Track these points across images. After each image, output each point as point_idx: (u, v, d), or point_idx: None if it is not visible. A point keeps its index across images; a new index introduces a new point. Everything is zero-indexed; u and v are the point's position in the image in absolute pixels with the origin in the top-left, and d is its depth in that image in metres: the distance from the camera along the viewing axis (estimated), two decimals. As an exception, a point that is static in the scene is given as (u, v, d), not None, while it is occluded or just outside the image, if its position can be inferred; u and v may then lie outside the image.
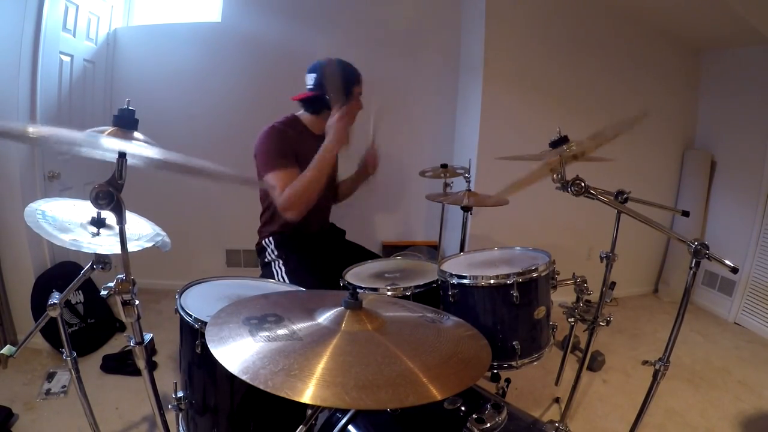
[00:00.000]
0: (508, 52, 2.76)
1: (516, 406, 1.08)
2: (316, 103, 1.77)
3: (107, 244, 1.17)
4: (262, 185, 1.72)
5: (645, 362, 1.29)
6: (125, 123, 0.91)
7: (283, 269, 1.75)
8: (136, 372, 1.29)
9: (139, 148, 0.84)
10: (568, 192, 1.20)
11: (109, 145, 0.82)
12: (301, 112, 1.83)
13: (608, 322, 1.61)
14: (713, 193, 3.17)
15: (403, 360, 0.75)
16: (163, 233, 1.38)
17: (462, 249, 2.25)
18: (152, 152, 0.83)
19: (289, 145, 1.69)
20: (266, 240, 1.85)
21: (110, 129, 0.90)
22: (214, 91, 2.99)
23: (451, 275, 1.36)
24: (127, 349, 2.21)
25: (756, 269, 2.81)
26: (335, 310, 0.88)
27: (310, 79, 1.77)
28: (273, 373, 0.67)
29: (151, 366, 0.98)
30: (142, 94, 2.81)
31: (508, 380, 1.83)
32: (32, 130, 0.77)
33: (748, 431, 1.89)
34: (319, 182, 1.60)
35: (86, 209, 1.26)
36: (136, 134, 0.92)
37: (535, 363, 1.36)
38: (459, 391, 0.70)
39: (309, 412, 0.95)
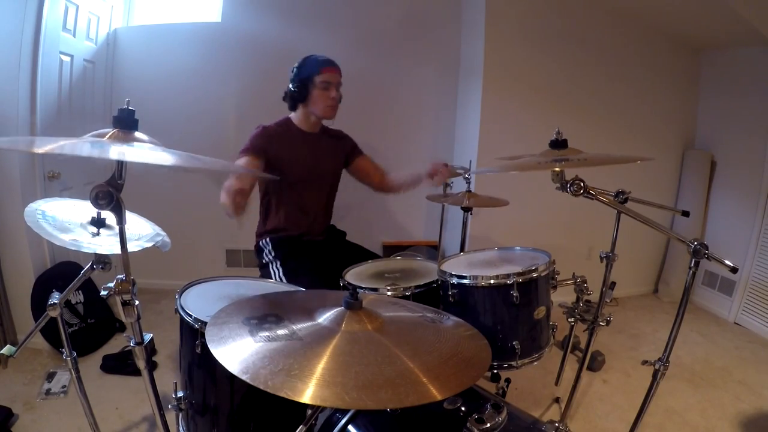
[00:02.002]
0: (508, 53, 2.76)
1: (516, 406, 1.08)
2: (288, 99, 1.85)
3: (107, 244, 1.17)
4: (263, 175, 1.75)
5: (645, 362, 1.28)
6: (125, 123, 0.91)
7: (281, 270, 1.75)
8: (136, 372, 1.29)
9: (145, 154, 0.83)
10: (567, 192, 1.20)
11: (115, 151, 0.82)
12: (290, 114, 1.89)
13: (608, 322, 1.61)
14: (713, 193, 3.16)
15: (403, 360, 0.75)
16: (163, 233, 1.38)
17: (462, 249, 2.25)
18: (159, 157, 0.83)
19: (269, 141, 1.76)
20: (263, 241, 1.86)
21: (111, 131, 0.90)
22: (214, 92, 2.99)
23: (451, 275, 1.37)
24: (127, 349, 2.21)
25: (756, 269, 2.81)
26: (335, 310, 0.88)
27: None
28: (273, 373, 0.68)
29: (151, 366, 0.98)
30: (142, 94, 2.81)
31: (508, 380, 1.83)
32: (39, 151, 0.77)
33: (748, 431, 1.89)
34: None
35: (86, 209, 1.26)
36: (139, 134, 0.91)
37: (535, 363, 1.36)
38: (459, 391, 0.71)
39: (309, 412, 0.95)
